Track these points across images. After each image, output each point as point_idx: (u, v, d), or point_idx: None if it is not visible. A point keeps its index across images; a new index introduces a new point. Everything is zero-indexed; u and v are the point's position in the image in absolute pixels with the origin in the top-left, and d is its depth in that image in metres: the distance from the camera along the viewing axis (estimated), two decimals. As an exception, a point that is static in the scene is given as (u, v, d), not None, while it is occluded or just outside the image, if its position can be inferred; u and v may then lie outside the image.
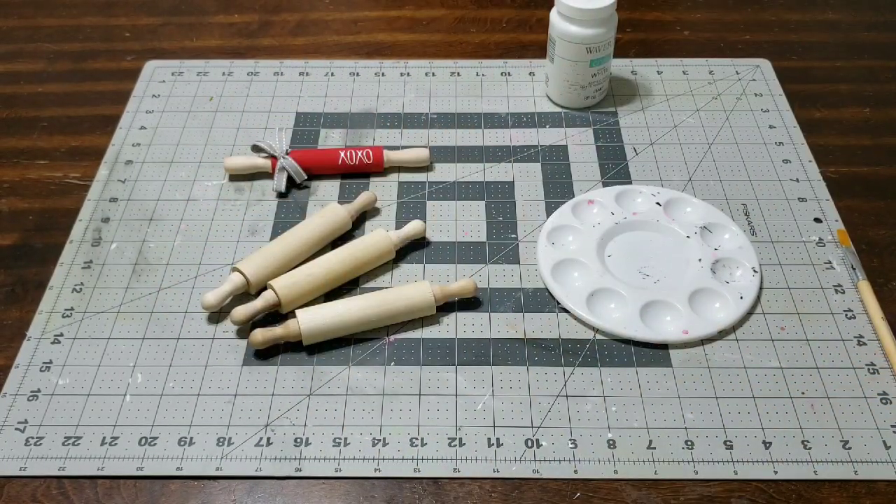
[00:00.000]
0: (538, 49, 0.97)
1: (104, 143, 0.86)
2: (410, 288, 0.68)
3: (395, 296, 0.68)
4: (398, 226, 0.76)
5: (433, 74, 0.93)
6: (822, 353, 0.66)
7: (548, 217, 0.76)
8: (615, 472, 0.59)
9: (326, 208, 0.75)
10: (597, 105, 0.89)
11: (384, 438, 0.61)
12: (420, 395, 0.64)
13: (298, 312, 0.66)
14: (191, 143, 0.85)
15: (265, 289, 0.69)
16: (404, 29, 1.01)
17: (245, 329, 0.68)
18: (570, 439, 0.61)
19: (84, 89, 0.93)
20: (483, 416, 0.62)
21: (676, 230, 0.74)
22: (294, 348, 0.67)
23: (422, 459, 0.60)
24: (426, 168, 0.82)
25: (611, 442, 0.61)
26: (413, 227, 0.74)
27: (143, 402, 0.64)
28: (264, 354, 0.67)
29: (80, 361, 0.66)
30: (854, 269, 0.72)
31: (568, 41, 0.83)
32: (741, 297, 0.69)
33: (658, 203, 0.77)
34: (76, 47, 0.99)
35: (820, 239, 0.75)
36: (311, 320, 0.66)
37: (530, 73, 0.93)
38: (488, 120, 0.87)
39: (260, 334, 0.65)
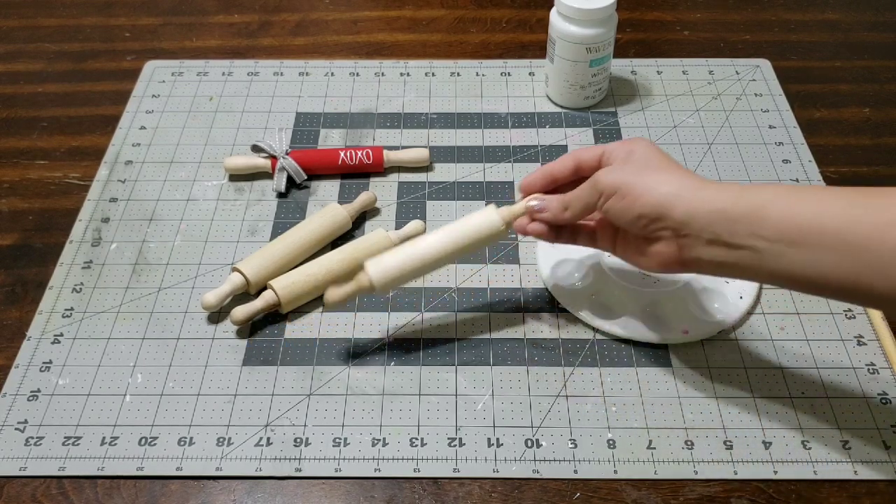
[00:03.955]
0: (538, 49, 0.97)
1: (104, 143, 0.86)
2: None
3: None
4: (398, 226, 0.76)
5: (433, 74, 0.93)
6: (822, 353, 0.66)
7: (548, 217, 0.76)
8: (615, 472, 0.59)
9: (326, 208, 0.75)
10: (597, 105, 0.89)
11: (384, 438, 0.61)
12: (420, 395, 0.64)
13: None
14: (191, 143, 0.85)
15: (265, 289, 0.69)
16: (404, 29, 1.01)
17: (245, 329, 0.68)
18: (570, 439, 0.61)
19: (84, 89, 0.93)
20: (483, 416, 0.62)
21: (676, 230, 0.74)
22: (294, 348, 0.67)
23: (422, 459, 0.60)
24: (426, 168, 0.82)
25: (611, 442, 0.61)
26: (413, 226, 0.74)
27: (143, 402, 0.64)
28: (264, 355, 0.66)
29: (80, 361, 0.66)
30: (854, 269, 0.72)
31: (568, 41, 0.83)
32: (741, 297, 0.69)
33: (658, 203, 0.76)
34: (76, 47, 0.99)
35: (820, 239, 0.75)
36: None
37: (530, 73, 0.93)
38: (488, 120, 0.87)
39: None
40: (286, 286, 0.68)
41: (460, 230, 0.64)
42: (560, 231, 0.64)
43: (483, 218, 0.64)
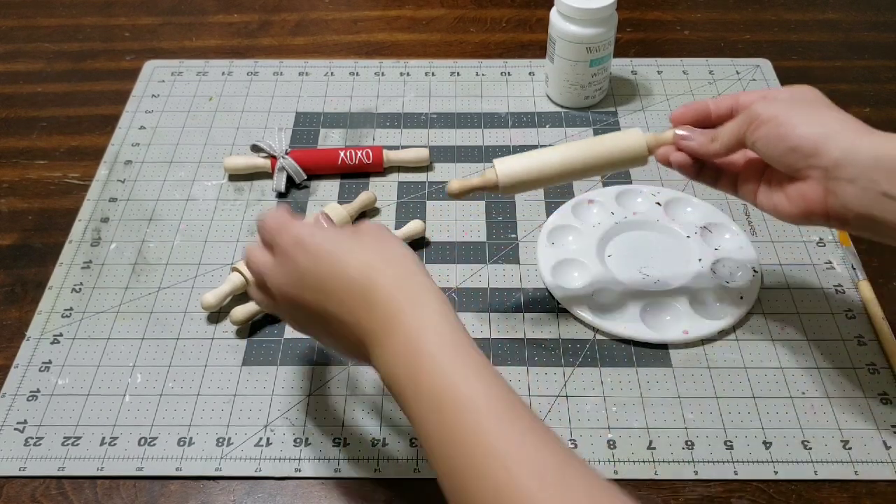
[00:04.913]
0: (538, 49, 0.97)
1: (104, 143, 0.86)
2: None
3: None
4: (398, 226, 0.76)
5: (433, 74, 0.93)
6: (822, 353, 0.66)
7: (548, 217, 0.76)
8: (615, 472, 0.59)
9: (326, 208, 0.74)
10: (597, 105, 0.89)
11: (384, 438, 0.61)
12: (420, 395, 0.64)
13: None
14: (190, 143, 0.85)
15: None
16: (404, 29, 1.01)
17: (245, 329, 0.68)
18: (570, 439, 0.61)
19: (84, 89, 0.93)
20: (483, 416, 0.62)
21: (676, 230, 0.74)
22: (294, 348, 0.67)
23: (421, 459, 0.60)
24: (426, 168, 0.82)
25: (611, 442, 0.61)
26: (413, 226, 0.74)
27: (142, 402, 0.64)
28: (264, 355, 0.66)
29: (79, 361, 0.66)
30: (854, 268, 0.72)
31: (568, 41, 0.83)
32: (741, 297, 0.69)
33: (658, 203, 0.77)
34: (76, 47, 0.99)
35: (820, 239, 0.75)
36: None
37: (530, 73, 0.93)
38: (488, 120, 0.87)
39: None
40: (286, 286, 0.68)
41: (599, 144, 0.61)
42: (703, 168, 0.61)
43: (627, 138, 0.61)
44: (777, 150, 0.53)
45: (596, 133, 0.85)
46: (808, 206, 0.53)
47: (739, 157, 0.60)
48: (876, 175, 0.50)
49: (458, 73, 0.93)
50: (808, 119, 0.53)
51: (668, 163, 0.61)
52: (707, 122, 0.60)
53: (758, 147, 0.55)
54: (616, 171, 0.63)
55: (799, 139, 0.52)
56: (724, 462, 0.60)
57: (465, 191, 0.62)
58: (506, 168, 0.61)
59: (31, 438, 0.61)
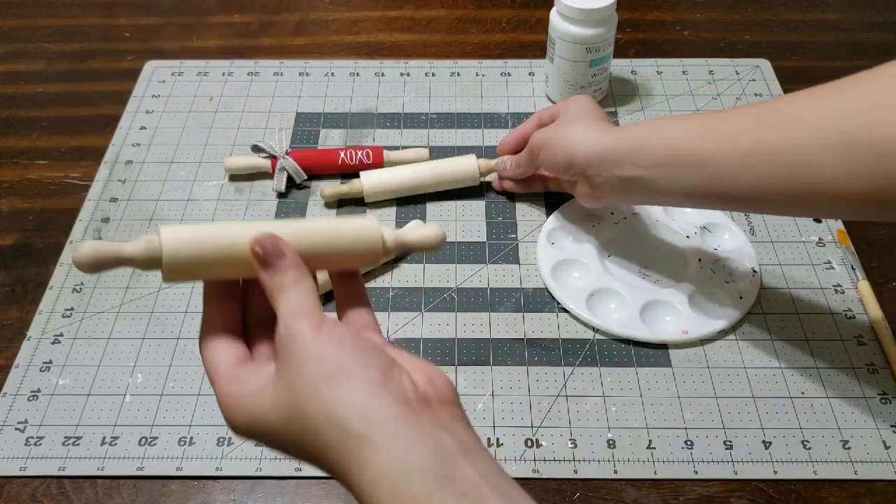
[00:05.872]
0: (538, 49, 0.97)
1: (104, 143, 0.86)
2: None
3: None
4: (398, 226, 0.76)
5: (433, 74, 0.93)
6: (822, 353, 0.66)
7: (548, 217, 0.76)
8: (615, 472, 0.59)
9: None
10: (597, 105, 0.89)
11: (384, 438, 0.61)
12: (420, 395, 0.64)
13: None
14: (191, 143, 0.85)
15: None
16: (404, 29, 1.01)
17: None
18: (570, 439, 0.61)
19: (84, 89, 0.93)
20: (483, 416, 0.62)
21: (676, 230, 0.74)
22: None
23: (422, 459, 0.60)
24: (426, 168, 0.82)
25: (610, 442, 0.61)
26: (413, 226, 0.73)
27: (143, 402, 0.64)
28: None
29: (80, 361, 0.66)
30: (854, 269, 0.72)
31: (568, 41, 0.83)
32: (741, 297, 0.69)
33: (658, 203, 0.77)
34: (76, 47, 0.99)
35: (820, 239, 0.75)
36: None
37: (530, 73, 0.93)
38: (488, 120, 0.87)
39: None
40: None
41: (443, 167, 0.78)
42: (530, 182, 0.77)
43: (464, 162, 0.78)
44: (552, 168, 0.70)
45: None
46: (587, 197, 0.68)
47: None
48: (607, 164, 0.64)
49: (458, 74, 0.93)
50: (564, 141, 0.66)
51: (501, 189, 0.78)
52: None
53: (544, 168, 0.72)
54: (457, 187, 0.78)
55: (558, 160, 0.67)
56: (723, 462, 0.60)
57: (335, 196, 0.77)
58: (370, 181, 0.77)
59: (32, 438, 0.62)
